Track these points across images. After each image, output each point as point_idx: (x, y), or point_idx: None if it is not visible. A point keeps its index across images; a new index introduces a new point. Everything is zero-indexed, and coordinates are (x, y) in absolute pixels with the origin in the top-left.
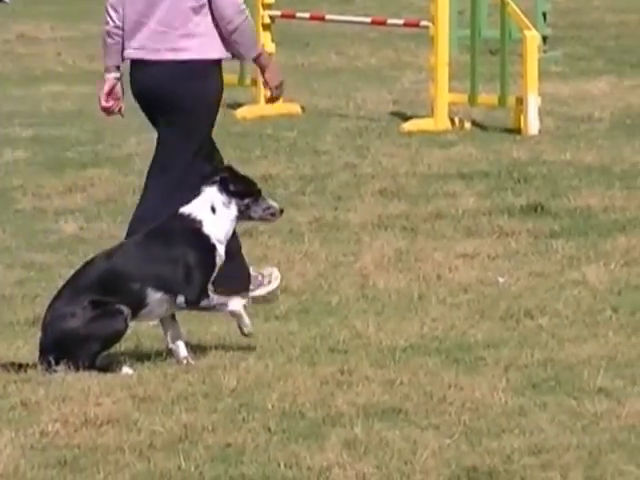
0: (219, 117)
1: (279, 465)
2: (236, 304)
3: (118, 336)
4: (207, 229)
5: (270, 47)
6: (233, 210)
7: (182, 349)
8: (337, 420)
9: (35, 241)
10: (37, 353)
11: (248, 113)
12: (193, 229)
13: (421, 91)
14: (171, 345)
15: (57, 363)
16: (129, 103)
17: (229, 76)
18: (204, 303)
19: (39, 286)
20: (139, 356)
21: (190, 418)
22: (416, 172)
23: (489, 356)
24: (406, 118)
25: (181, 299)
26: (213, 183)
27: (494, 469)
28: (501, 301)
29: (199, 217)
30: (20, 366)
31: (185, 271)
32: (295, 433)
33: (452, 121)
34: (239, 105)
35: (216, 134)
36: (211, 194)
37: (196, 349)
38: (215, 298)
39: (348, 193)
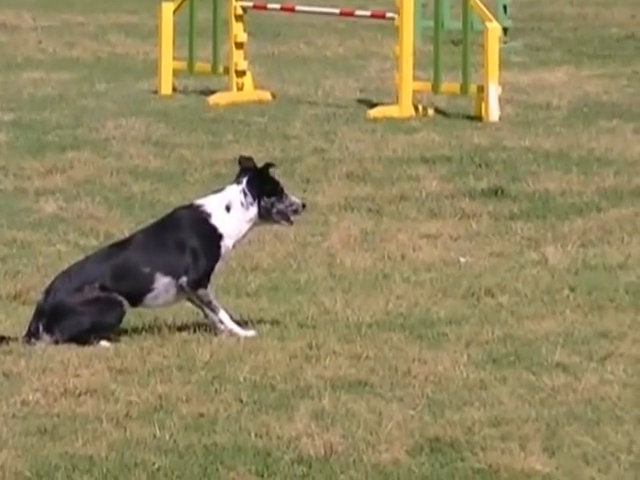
0: (192, 103)
1: (250, 435)
2: (229, 319)
3: (108, 328)
4: (214, 221)
5: (242, 37)
6: (251, 212)
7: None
8: (306, 392)
9: (17, 220)
10: (19, 326)
11: (221, 100)
12: (200, 219)
13: (386, 79)
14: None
15: (45, 330)
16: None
17: (203, 64)
18: (202, 292)
19: (20, 263)
20: (116, 330)
21: (165, 389)
22: (381, 156)
23: (451, 332)
24: (372, 105)
25: (183, 279)
26: (238, 183)
27: (456, 440)
28: (463, 280)
29: (208, 210)
30: (2, 339)
31: (190, 255)
32: (265, 404)
33: (416, 108)
34: (212, 92)
35: (189, 120)
36: (231, 193)
37: (171, 324)
38: (214, 299)
39: (316, 176)
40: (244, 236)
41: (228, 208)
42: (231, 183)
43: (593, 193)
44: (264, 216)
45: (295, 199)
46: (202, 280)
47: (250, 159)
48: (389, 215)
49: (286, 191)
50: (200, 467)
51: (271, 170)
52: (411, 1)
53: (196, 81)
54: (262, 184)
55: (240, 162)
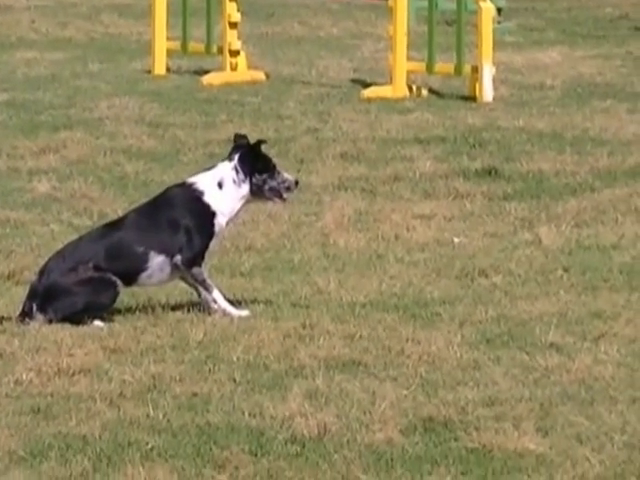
0: (185, 83)
1: (243, 414)
2: (222, 299)
3: (102, 308)
4: (207, 199)
5: (236, 17)
6: (244, 189)
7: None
8: (299, 372)
9: (10, 199)
10: (12, 306)
11: (214, 80)
12: (193, 197)
13: (380, 60)
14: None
15: (38, 310)
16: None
17: (196, 44)
18: (196, 270)
19: (14, 242)
20: (110, 310)
21: (158, 369)
22: (375, 137)
23: (445, 312)
24: (366, 85)
25: (178, 258)
26: (230, 160)
27: (449, 419)
28: (456, 260)
29: (201, 188)
30: None
31: (183, 233)
32: (259, 384)
33: (410, 88)
34: (205, 72)
35: (183, 100)
36: (223, 170)
37: (164, 304)
38: (208, 278)
39: (310, 156)
40: (237, 214)
41: (220, 185)
42: (223, 160)
43: (587, 173)
44: (256, 193)
45: (288, 176)
46: (196, 258)
47: (244, 137)
48: (383, 195)
49: (279, 168)
50: (193, 447)
51: (264, 148)
52: None
53: (190, 61)
54: (254, 161)
55: (235, 140)
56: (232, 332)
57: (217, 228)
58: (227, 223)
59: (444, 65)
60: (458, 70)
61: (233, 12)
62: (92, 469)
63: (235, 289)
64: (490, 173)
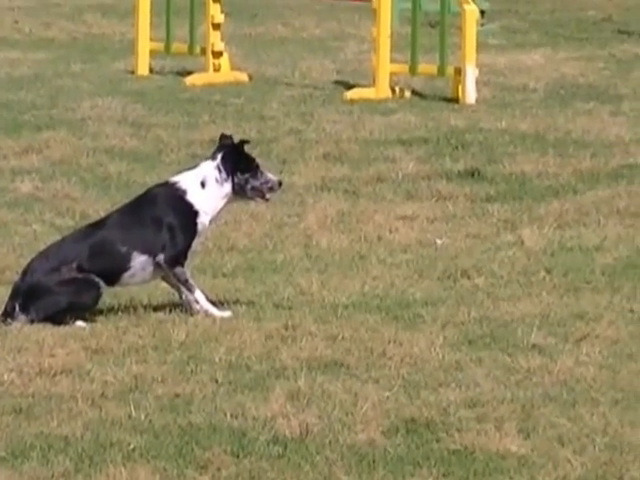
0: (168, 84)
1: (225, 415)
2: (204, 299)
3: (84, 308)
4: (190, 198)
5: (219, 18)
6: (226, 188)
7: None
8: (281, 373)
9: None
10: None
11: (197, 80)
12: (176, 196)
13: (363, 61)
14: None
15: (21, 310)
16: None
17: (179, 45)
18: (178, 270)
19: None
20: (92, 310)
21: (140, 369)
22: (358, 138)
23: (427, 313)
24: (349, 86)
25: (160, 257)
26: (213, 159)
27: (431, 421)
28: (439, 261)
29: (184, 187)
30: None
31: (166, 232)
32: (241, 385)
33: (393, 90)
34: (188, 73)
35: (166, 100)
36: (206, 169)
37: (146, 304)
38: (190, 278)
39: (293, 157)
40: (220, 213)
41: (203, 184)
42: (206, 159)
43: (569, 175)
44: (238, 192)
45: (271, 176)
46: (179, 257)
47: (230, 137)
48: (365, 196)
49: (262, 168)
50: (175, 447)
51: (246, 149)
52: None
53: (173, 62)
54: (236, 160)
55: (220, 140)
56: (214, 333)
57: (200, 227)
58: (210, 222)
59: (427, 67)
60: (441, 72)
61: (217, 13)
62: (74, 469)
63: (217, 289)
64: (473, 174)
